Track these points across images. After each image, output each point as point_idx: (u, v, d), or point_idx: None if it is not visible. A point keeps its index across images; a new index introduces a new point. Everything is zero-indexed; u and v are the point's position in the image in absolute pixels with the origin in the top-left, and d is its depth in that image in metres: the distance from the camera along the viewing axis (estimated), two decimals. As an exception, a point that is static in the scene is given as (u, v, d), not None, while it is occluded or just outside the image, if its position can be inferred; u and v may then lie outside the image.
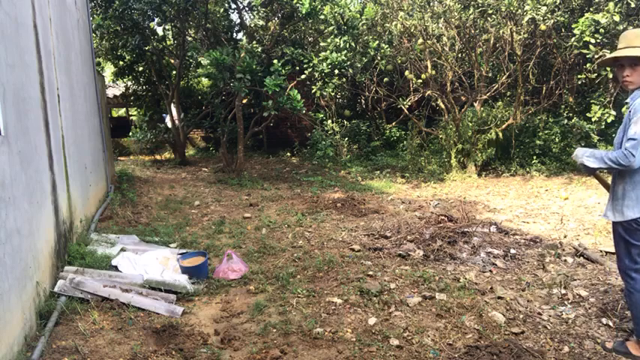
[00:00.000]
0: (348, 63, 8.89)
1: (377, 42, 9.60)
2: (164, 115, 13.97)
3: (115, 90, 14.69)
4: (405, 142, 11.46)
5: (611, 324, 3.36)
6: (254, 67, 8.47)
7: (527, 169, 9.43)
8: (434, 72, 10.23)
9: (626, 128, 2.73)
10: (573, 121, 9.60)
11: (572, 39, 8.09)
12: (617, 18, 7.36)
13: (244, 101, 10.69)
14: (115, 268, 4.36)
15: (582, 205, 6.81)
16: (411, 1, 9.56)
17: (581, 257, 4.64)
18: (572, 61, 9.23)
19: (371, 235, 5.62)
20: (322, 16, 9.03)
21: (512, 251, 4.87)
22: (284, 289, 4.06)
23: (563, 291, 3.89)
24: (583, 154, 2.85)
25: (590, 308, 3.60)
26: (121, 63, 12.23)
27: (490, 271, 4.42)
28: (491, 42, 9.13)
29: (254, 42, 9.70)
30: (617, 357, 2.95)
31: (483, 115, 9.78)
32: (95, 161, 6.85)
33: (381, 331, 3.30)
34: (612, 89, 8.66)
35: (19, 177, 3.20)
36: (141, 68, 12.55)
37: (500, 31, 8.77)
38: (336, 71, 8.85)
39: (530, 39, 9.05)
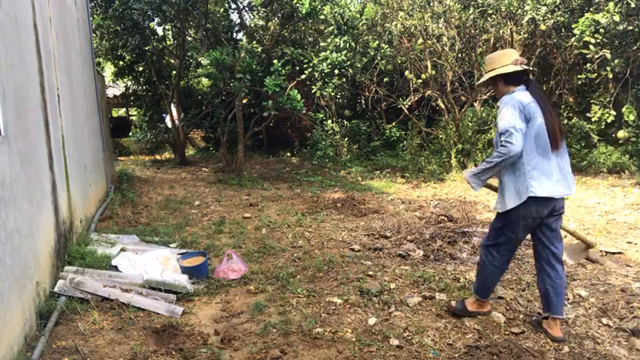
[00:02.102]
0: (348, 63, 8.88)
1: (377, 42, 9.59)
2: (164, 115, 13.97)
3: (115, 90, 14.69)
4: (405, 142, 11.46)
5: (611, 324, 3.35)
6: (254, 67, 8.46)
7: (527, 169, 9.42)
8: (434, 72, 10.23)
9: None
10: (573, 121, 9.60)
11: (572, 39, 8.09)
12: (617, 18, 7.36)
13: (244, 101, 10.69)
14: (115, 268, 4.36)
15: (582, 205, 6.81)
16: (411, 1, 9.56)
17: (581, 257, 4.64)
18: (572, 61, 9.23)
19: (371, 235, 5.61)
20: (322, 16, 9.03)
21: (512, 251, 4.87)
22: (284, 289, 4.06)
23: (563, 291, 3.89)
24: (469, 176, 3.25)
25: (590, 308, 3.60)
26: (121, 63, 12.22)
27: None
28: (491, 42, 9.13)
29: (254, 42, 9.70)
30: (617, 357, 2.95)
31: (483, 115, 9.78)
32: (95, 161, 6.85)
33: (381, 331, 3.30)
34: (612, 89, 8.66)
35: (19, 177, 3.20)
36: (141, 68, 12.55)
37: (500, 31, 8.77)
38: (336, 71, 8.84)
39: (530, 39, 9.05)
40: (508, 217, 3.16)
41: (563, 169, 3.10)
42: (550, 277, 3.16)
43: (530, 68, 3.18)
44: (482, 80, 3.36)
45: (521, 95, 3.09)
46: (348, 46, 8.93)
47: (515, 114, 3.00)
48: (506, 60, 3.20)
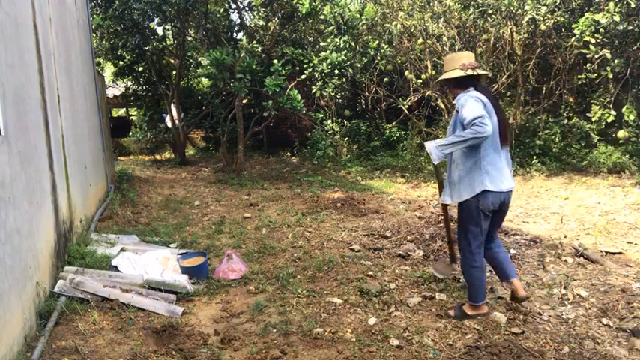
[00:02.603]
0: (348, 63, 8.88)
1: (377, 42, 9.59)
2: (164, 115, 13.97)
3: (115, 90, 14.69)
4: (405, 142, 11.45)
5: (611, 324, 3.35)
6: (254, 67, 8.46)
7: (527, 169, 9.42)
8: (434, 72, 10.22)
9: (456, 122, 3.32)
10: (573, 121, 9.60)
11: (572, 39, 8.09)
12: (617, 18, 7.36)
13: (244, 101, 10.69)
14: (115, 268, 4.36)
15: (582, 205, 6.82)
16: (411, 1, 9.56)
17: (581, 257, 4.64)
18: (572, 61, 9.23)
19: (371, 235, 5.61)
20: (322, 16, 9.03)
21: (512, 251, 4.87)
22: (284, 289, 4.06)
23: (563, 291, 3.89)
24: (434, 146, 3.28)
25: (590, 308, 3.60)
26: (121, 63, 12.22)
27: (490, 271, 4.42)
28: (491, 42, 9.12)
29: (254, 42, 9.70)
30: (616, 357, 2.95)
31: (483, 115, 9.75)
32: (95, 161, 6.85)
33: (381, 331, 3.30)
34: (612, 89, 8.66)
35: (19, 177, 3.20)
36: (141, 68, 12.55)
37: (500, 31, 8.77)
38: (336, 71, 8.84)
39: (530, 39, 9.04)
40: (469, 211, 3.33)
41: (509, 164, 3.37)
42: (496, 251, 3.52)
43: (478, 72, 3.32)
44: (437, 80, 3.57)
45: (479, 94, 3.27)
46: (348, 46, 8.93)
47: (480, 106, 3.16)
48: (454, 64, 3.39)
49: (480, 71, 3.32)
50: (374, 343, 3.16)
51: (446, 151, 3.24)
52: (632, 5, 7.66)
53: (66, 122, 5.03)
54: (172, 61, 12.29)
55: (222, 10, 11.24)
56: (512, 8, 8.30)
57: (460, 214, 3.42)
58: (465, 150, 3.26)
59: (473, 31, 9.29)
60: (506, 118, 3.30)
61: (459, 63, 3.35)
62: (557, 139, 9.51)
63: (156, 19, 10.56)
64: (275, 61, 8.54)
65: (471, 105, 3.14)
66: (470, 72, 3.29)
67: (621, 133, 8.77)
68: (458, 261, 3.82)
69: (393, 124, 12.33)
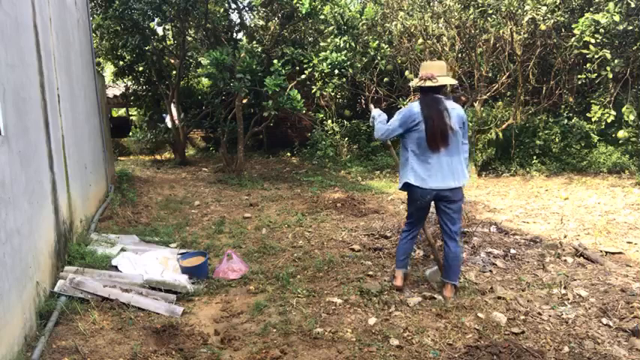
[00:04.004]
0: (348, 63, 8.88)
1: (377, 42, 9.59)
2: (164, 115, 13.96)
3: (115, 90, 14.68)
4: (405, 142, 11.44)
5: (611, 324, 3.36)
6: (254, 67, 8.46)
7: (527, 169, 9.43)
8: (434, 72, 10.20)
9: None
10: (573, 121, 9.60)
11: (572, 39, 8.09)
12: (617, 18, 7.35)
13: (244, 101, 10.67)
14: (115, 268, 4.36)
15: (582, 205, 6.82)
16: (411, 1, 9.56)
17: (581, 257, 4.65)
18: (572, 61, 9.23)
19: (371, 235, 5.62)
20: (322, 16, 9.03)
21: (512, 251, 4.88)
22: (284, 289, 4.06)
23: (563, 291, 3.89)
24: (377, 116, 3.91)
25: (590, 308, 3.60)
26: (121, 63, 12.21)
27: (490, 271, 4.42)
28: (491, 42, 9.12)
29: (254, 42, 9.70)
30: (617, 357, 2.95)
31: (483, 115, 9.77)
32: (95, 161, 6.85)
33: (381, 331, 3.30)
34: (612, 89, 8.66)
35: (19, 177, 3.20)
36: (141, 68, 12.54)
37: (500, 31, 8.76)
38: (336, 71, 8.83)
39: (530, 39, 9.04)
40: (408, 196, 3.88)
41: (451, 166, 3.64)
42: (446, 249, 3.78)
43: (428, 85, 3.61)
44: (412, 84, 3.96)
45: (415, 105, 3.69)
46: (348, 46, 8.93)
47: (398, 117, 3.71)
48: (420, 73, 3.75)
49: (429, 83, 3.61)
50: (374, 343, 3.16)
51: (370, 121, 4.00)
52: (632, 5, 7.66)
53: (66, 122, 5.03)
54: (172, 61, 12.28)
55: (222, 10, 11.22)
56: (512, 8, 8.30)
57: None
58: (400, 147, 3.84)
59: (473, 31, 9.28)
60: (441, 126, 3.58)
61: (420, 73, 3.71)
62: (557, 139, 9.51)
63: (156, 19, 10.55)
64: (275, 61, 8.54)
65: (398, 112, 3.74)
66: (420, 83, 3.64)
67: (621, 133, 8.77)
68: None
69: (393, 124, 12.32)
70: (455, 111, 3.67)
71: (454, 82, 3.94)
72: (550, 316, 3.51)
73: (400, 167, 3.89)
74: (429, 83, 3.62)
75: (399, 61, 10.88)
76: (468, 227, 5.58)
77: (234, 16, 14.72)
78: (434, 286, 4.07)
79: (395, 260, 4.11)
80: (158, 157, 13.34)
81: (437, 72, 3.65)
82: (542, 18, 8.10)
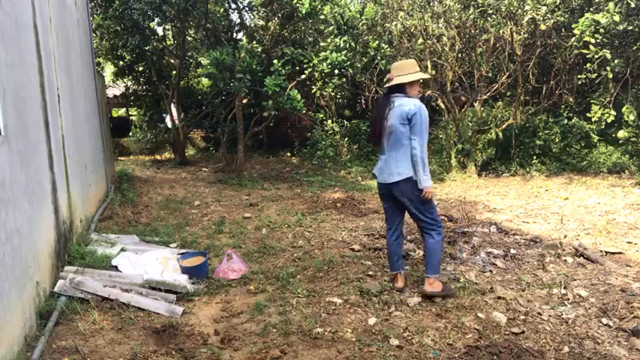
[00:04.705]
0: (348, 63, 8.88)
1: (377, 42, 9.59)
2: (164, 115, 13.96)
3: (115, 90, 14.68)
4: (405, 142, 11.44)
5: (611, 324, 3.36)
6: (254, 67, 8.46)
7: (527, 169, 9.43)
8: (434, 72, 10.22)
9: None
10: (573, 121, 9.60)
11: (572, 39, 8.09)
12: (617, 18, 7.36)
13: (244, 101, 10.68)
14: (115, 268, 4.36)
15: (582, 205, 6.82)
16: (411, 1, 9.56)
17: (581, 257, 4.64)
18: (572, 61, 9.23)
19: (371, 235, 5.61)
20: (322, 16, 9.03)
21: (512, 251, 4.87)
22: (284, 289, 4.06)
23: (563, 291, 3.89)
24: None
25: (590, 308, 3.60)
26: (121, 63, 12.21)
27: (490, 271, 4.42)
28: (491, 42, 9.13)
29: (254, 42, 9.70)
30: (617, 357, 2.95)
31: (483, 115, 9.78)
32: (95, 161, 6.85)
33: (381, 331, 3.30)
34: (612, 89, 8.66)
35: (19, 177, 3.20)
36: (141, 68, 12.54)
37: (500, 31, 8.77)
38: (336, 71, 8.84)
39: (530, 39, 9.04)
40: None
41: (388, 162, 3.84)
42: (424, 243, 3.90)
43: (388, 85, 3.82)
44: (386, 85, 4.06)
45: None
46: (348, 46, 8.93)
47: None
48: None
49: (392, 83, 3.79)
50: (374, 343, 3.16)
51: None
52: (632, 5, 7.66)
53: (66, 122, 5.03)
54: (172, 61, 12.29)
55: (222, 10, 11.23)
56: (512, 8, 8.30)
57: None
58: None
59: (473, 31, 9.29)
60: (378, 125, 3.87)
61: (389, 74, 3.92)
62: (557, 139, 9.52)
63: (156, 19, 10.55)
64: (275, 61, 8.54)
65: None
66: (388, 84, 3.86)
67: (621, 133, 8.77)
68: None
69: (393, 124, 12.32)
70: (400, 108, 3.73)
71: (414, 78, 3.79)
72: (550, 316, 3.51)
73: None
74: (392, 83, 3.85)
75: (399, 61, 10.87)
76: (468, 227, 5.58)
77: (234, 16, 14.72)
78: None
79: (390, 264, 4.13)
80: (158, 157, 13.34)
81: (396, 72, 3.82)
82: (542, 18, 8.10)
